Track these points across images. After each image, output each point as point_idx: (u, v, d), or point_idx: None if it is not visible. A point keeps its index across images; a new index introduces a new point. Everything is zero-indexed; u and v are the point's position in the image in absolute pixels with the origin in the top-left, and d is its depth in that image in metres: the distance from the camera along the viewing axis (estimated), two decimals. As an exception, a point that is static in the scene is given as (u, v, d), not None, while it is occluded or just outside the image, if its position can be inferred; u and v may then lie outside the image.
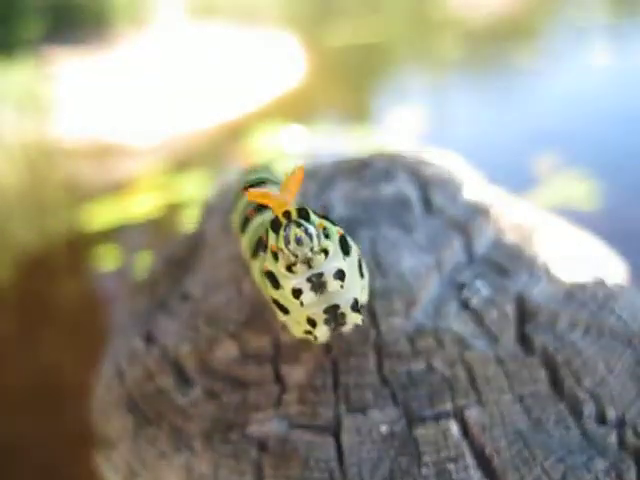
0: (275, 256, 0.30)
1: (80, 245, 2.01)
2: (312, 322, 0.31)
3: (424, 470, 0.34)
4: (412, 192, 0.45)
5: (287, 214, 0.29)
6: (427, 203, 0.45)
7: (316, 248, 0.29)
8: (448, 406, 0.36)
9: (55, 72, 3.38)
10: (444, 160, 0.50)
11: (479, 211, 0.45)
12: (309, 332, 0.32)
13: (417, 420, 0.35)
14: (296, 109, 2.97)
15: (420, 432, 0.35)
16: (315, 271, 0.29)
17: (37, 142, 2.93)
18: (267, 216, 0.36)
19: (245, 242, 0.37)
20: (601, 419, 0.37)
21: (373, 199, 0.44)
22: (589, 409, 0.37)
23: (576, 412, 0.37)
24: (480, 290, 0.40)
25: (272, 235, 0.30)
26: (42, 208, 2.40)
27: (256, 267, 0.36)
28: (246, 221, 0.38)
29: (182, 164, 2.53)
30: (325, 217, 0.31)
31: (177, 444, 0.37)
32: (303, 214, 0.29)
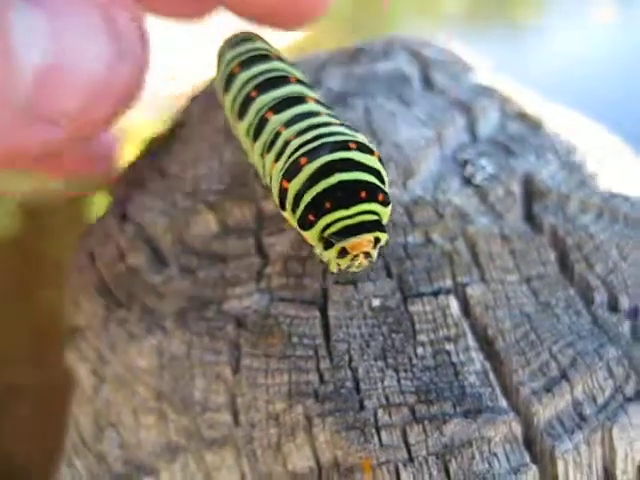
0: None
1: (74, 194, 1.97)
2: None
3: (420, 350, 0.31)
4: (412, 70, 0.41)
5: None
6: (428, 82, 0.41)
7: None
8: (448, 282, 0.32)
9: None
10: (450, 45, 0.46)
11: (484, 94, 0.41)
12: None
13: (413, 295, 0.32)
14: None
15: (416, 308, 0.32)
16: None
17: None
18: (253, 70, 0.33)
19: (229, 102, 0.33)
20: (613, 308, 0.34)
21: (369, 74, 0.40)
22: (601, 296, 0.34)
23: (587, 299, 0.34)
24: (485, 167, 0.36)
25: (334, 255, 0.26)
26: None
27: (242, 128, 0.32)
28: (230, 78, 0.33)
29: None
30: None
31: (149, 325, 0.34)
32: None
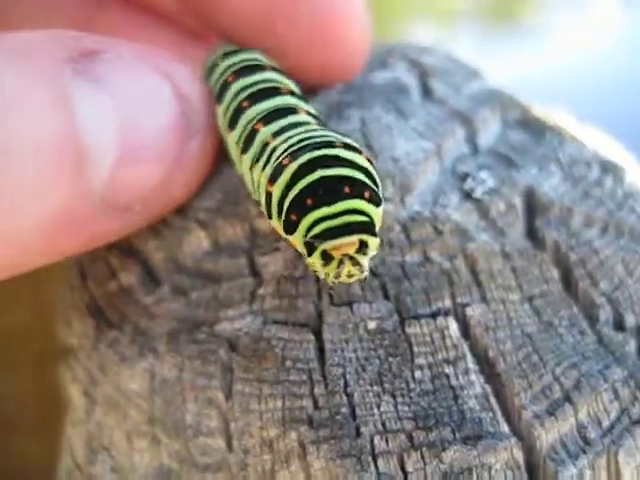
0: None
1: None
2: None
3: (418, 373, 0.30)
4: (410, 80, 0.40)
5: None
6: (427, 92, 0.40)
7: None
8: (447, 302, 0.31)
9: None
10: (451, 54, 0.45)
11: (485, 104, 0.40)
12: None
13: (411, 317, 0.31)
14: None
15: (414, 330, 0.30)
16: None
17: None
18: (247, 80, 0.32)
19: (221, 113, 0.33)
20: (619, 326, 0.33)
21: (366, 84, 0.39)
22: (606, 314, 0.32)
23: (591, 317, 0.32)
24: (485, 181, 0.35)
25: (319, 261, 0.24)
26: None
27: (232, 140, 0.31)
28: (224, 88, 0.33)
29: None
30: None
31: (140, 348, 0.33)
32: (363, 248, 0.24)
